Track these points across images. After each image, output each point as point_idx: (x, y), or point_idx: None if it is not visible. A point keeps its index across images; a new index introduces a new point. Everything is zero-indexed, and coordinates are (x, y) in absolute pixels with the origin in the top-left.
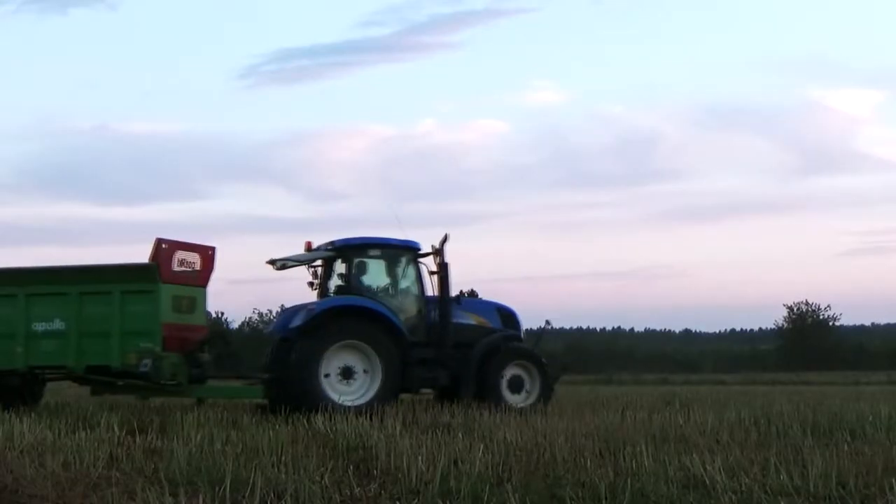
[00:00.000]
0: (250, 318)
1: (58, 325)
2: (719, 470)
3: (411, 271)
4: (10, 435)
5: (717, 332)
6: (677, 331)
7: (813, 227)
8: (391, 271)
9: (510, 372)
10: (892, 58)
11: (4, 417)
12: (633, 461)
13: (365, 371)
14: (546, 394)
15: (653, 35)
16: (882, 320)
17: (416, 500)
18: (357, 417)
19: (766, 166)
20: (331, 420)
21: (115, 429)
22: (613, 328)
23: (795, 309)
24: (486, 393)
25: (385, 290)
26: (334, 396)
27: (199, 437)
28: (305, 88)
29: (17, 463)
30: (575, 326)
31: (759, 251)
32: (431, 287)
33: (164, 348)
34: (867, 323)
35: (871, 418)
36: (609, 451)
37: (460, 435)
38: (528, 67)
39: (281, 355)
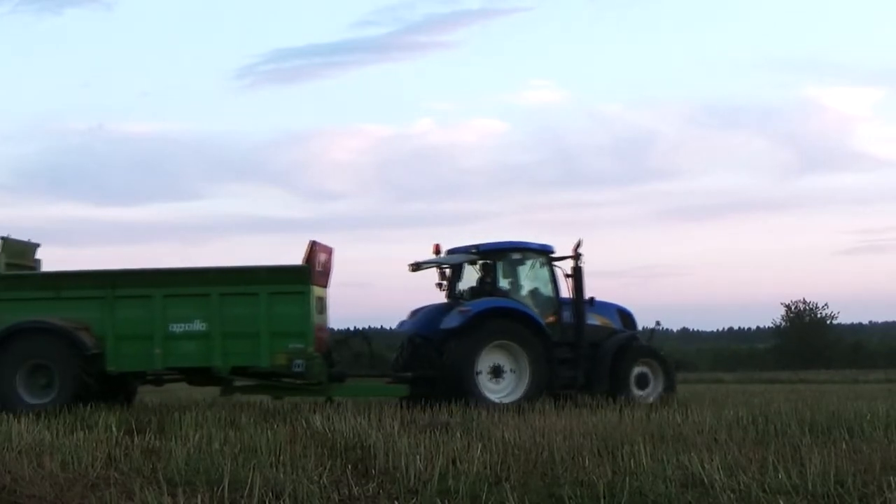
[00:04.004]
0: None
1: (198, 326)
2: (717, 468)
3: (548, 274)
4: (8, 435)
5: (715, 330)
6: (675, 329)
7: (810, 225)
8: (530, 274)
9: (637, 369)
10: (890, 56)
11: (2, 418)
12: (632, 460)
13: (512, 370)
14: (669, 390)
15: (650, 33)
16: (880, 318)
17: (414, 500)
18: (356, 417)
19: (763, 165)
20: (329, 420)
21: (114, 429)
22: None
23: (793, 307)
24: (617, 389)
25: (524, 292)
26: (487, 394)
27: (197, 437)
28: (302, 88)
29: (16, 463)
30: None
31: (756, 249)
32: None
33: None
34: (865, 321)
35: (868, 416)
36: (607, 449)
37: (458, 434)
38: (525, 66)
39: (428, 354)
